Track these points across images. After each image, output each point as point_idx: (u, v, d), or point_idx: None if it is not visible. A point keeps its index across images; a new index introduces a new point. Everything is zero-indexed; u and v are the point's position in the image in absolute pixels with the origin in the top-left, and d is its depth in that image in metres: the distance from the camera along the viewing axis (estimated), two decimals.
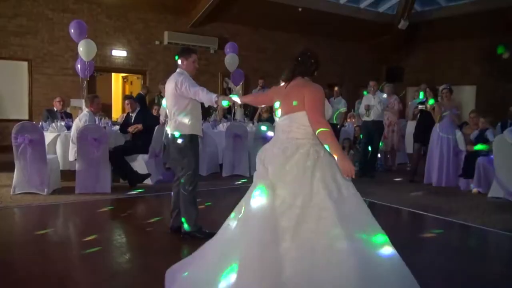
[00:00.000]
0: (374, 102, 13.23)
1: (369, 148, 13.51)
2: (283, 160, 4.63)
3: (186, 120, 6.96)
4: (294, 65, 5.03)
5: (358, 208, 4.56)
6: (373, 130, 13.36)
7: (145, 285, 5.34)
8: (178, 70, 7.13)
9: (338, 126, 15.13)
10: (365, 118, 13.44)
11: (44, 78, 17.75)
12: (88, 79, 13.83)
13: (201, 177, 9.30)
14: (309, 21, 21.61)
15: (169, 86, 7.04)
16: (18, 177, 9.88)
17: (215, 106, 6.71)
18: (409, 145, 14.67)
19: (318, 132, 4.61)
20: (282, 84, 5.10)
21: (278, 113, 4.94)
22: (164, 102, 7.51)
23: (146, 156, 11.51)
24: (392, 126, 14.61)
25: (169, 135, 7.24)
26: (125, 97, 13.02)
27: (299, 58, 5.06)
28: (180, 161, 7.17)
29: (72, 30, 13.22)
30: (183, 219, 7.11)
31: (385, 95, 13.75)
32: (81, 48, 12.97)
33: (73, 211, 9.09)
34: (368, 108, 13.23)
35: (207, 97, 6.57)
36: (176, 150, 7.12)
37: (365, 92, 13.91)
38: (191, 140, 7.04)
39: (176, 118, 7.02)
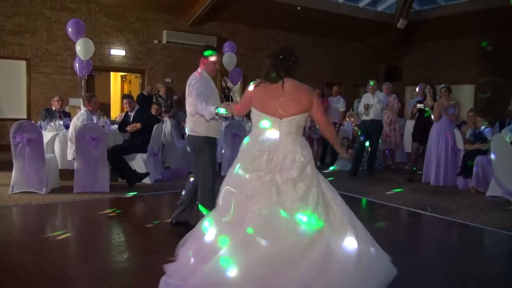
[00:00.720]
0: (373, 101, 13.26)
1: (366, 145, 13.57)
2: (304, 163, 4.83)
3: (201, 121, 6.83)
4: (281, 63, 4.98)
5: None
6: (372, 129, 13.39)
7: (143, 284, 5.33)
8: (198, 69, 7.05)
9: (337, 125, 15.19)
10: (364, 117, 13.46)
11: (42, 77, 17.74)
12: (86, 78, 13.79)
13: None
14: (308, 20, 21.63)
15: (187, 88, 6.96)
16: (16, 176, 9.88)
17: (216, 118, 6.51)
18: (408, 144, 14.69)
19: (328, 132, 5.41)
20: (256, 83, 5.10)
21: (279, 113, 4.87)
22: None
23: (144, 155, 11.51)
24: (393, 124, 14.69)
25: (186, 135, 7.19)
26: (124, 96, 13.00)
27: (281, 56, 5.02)
28: (194, 161, 7.16)
29: (70, 29, 13.18)
30: (200, 206, 6.95)
31: (382, 93, 13.79)
32: (78, 47, 12.93)
33: (71, 210, 9.09)
34: (367, 107, 13.25)
35: (207, 111, 6.18)
36: (191, 150, 7.12)
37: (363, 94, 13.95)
38: (206, 141, 6.95)
39: (191, 119, 6.95)
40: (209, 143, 7.01)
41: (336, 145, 6.09)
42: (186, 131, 7.13)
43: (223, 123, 13.97)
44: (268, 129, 4.91)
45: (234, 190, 4.81)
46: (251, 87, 5.10)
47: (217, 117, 6.29)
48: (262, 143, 4.90)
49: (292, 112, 4.88)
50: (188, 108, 6.97)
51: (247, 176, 4.84)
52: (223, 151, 12.98)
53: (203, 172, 7.02)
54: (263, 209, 4.59)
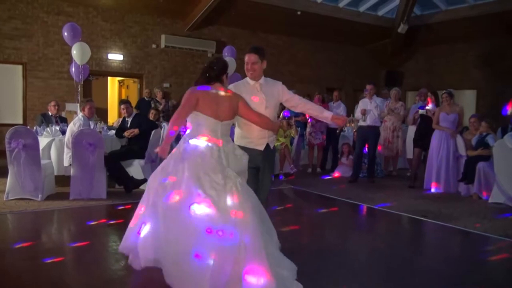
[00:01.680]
0: (370, 107, 13.19)
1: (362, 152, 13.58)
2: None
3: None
4: (208, 70, 5.76)
5: None
6: (369, 135, 13.35)
7: None
8: None
9: (337, 131, 15.12)
10: (361, 123, 13.38)
11: (38, 81, 17.71)
12: (83, 83, 13.78)
13: None
14: (308, 24, 21.68)
15: None
16: (11, 183, 9.85)
17: None
18: (409, 150, 14.60)
19: (265, 125, 6.10)
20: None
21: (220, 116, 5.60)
22: None
23: (142, 161, 11.50)
24: (396, 131, 14.59)
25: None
26: (121, 102, 12.97)
27: (206, 64, 5.86)
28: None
29: (66, 33, 13.18)
30: None
31: (380, 98, 13.75)
32: (74, 51, 12.93)
33: (67, 217, 9.07)
34: (364, 113, 13.18)
35: None
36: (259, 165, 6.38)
37: None
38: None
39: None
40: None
41: (275, 129, 6.32)
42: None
43: None
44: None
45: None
46: (192, 91, 5.60)
47: None
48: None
49: (227, 116, 5.68)
50: None
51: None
52: None
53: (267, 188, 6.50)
54: None
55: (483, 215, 9.58)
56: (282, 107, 16.18)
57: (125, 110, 11.87)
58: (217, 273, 4.72)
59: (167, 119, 16.06)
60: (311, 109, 6.62)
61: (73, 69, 13.25)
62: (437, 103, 12.59)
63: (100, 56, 18.77)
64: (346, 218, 9.75)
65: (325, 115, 6.48)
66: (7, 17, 17.04)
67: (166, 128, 13.12)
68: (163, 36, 19.94)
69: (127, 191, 11.01)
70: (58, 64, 17.92)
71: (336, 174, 14.52)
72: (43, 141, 11.28)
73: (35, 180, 9.84)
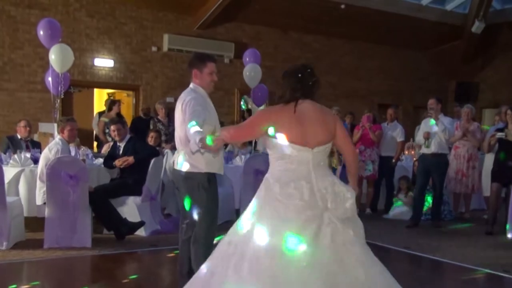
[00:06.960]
0: (436, 129, 13.06)
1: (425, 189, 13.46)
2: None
3: (201, 154, 6.68)
4: (300, 83, 5.55)
5: None
6: (434, 166, 13.23)
7: None
8: (190, 85, 7.05)
9: (393, 160, 15.01)
10: (424, 150, 13.27)
11: (3, 95, 17.68)
12: (63, 96, 13.81)
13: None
14: (354, 22, 21.63)
15: (177, 106, 6.93)
16: None
17: (201, 151, 6.28)
18: (486, 186, 14.40)
19: (355, 165, 6.03)
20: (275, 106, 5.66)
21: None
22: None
23: (138, 199, 11.46)
24: (472, 160, 14.41)
25: (177, 171, 7.02)
26: (111, 121, 12.97)
27: (299, 75, 5.57)
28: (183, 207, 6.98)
29: (41, 32, 13.24)
30: None
31: (448, 118, 13.64)
32: (53, 56, 12.97)
33: (40, 271, 9.07)
34: (428, 137, 13.05)
35: (192, 137, 5.96)
36: (185, 192, 6.93)
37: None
38: (209, 180, 6.86)
39: (186, 149, 6.71)
40: (213, 182, 6.94)
41: (354, 183, 5.94)
42: (178, 166, 6.96)
43: (242, 156, 13.89)
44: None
45: None
46: (266, 111, 5.87)
47: (201, 149, 6.13)
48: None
49: (317, 140, 5.50)
50: (181, 132, 6.87)
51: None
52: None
53: (204, 223, 6.84)
54: None
55: None
56: None
57: (116, 132, 11.84)
58: None
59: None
60: None
61: (50, 79, 13.28)
62: None
63: (85, 61, 18.80)
64: (404, 274, 9.66)
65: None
66: None
67: (169, 156, 13.12)
68: (165, 36, 19.99)
69: (119, 237, 10.97)
70: (29, 72, 17.92)
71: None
72: (9, 172, 11.27)
73: None
